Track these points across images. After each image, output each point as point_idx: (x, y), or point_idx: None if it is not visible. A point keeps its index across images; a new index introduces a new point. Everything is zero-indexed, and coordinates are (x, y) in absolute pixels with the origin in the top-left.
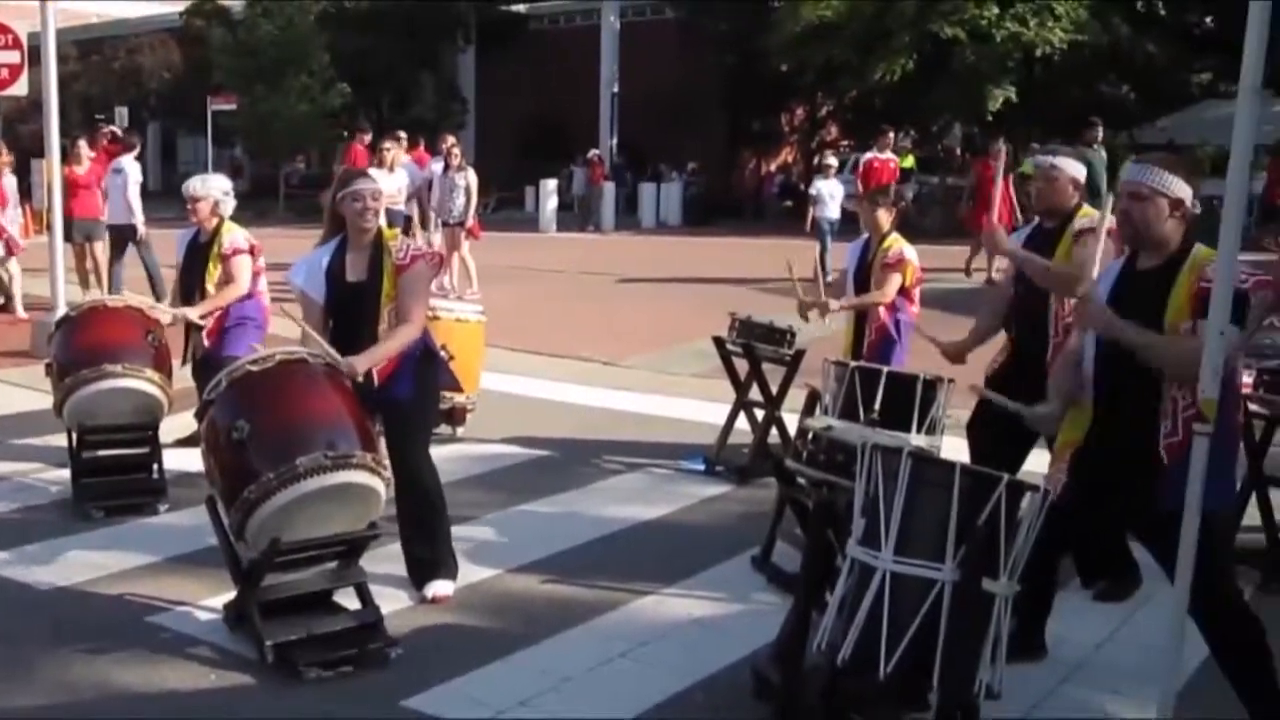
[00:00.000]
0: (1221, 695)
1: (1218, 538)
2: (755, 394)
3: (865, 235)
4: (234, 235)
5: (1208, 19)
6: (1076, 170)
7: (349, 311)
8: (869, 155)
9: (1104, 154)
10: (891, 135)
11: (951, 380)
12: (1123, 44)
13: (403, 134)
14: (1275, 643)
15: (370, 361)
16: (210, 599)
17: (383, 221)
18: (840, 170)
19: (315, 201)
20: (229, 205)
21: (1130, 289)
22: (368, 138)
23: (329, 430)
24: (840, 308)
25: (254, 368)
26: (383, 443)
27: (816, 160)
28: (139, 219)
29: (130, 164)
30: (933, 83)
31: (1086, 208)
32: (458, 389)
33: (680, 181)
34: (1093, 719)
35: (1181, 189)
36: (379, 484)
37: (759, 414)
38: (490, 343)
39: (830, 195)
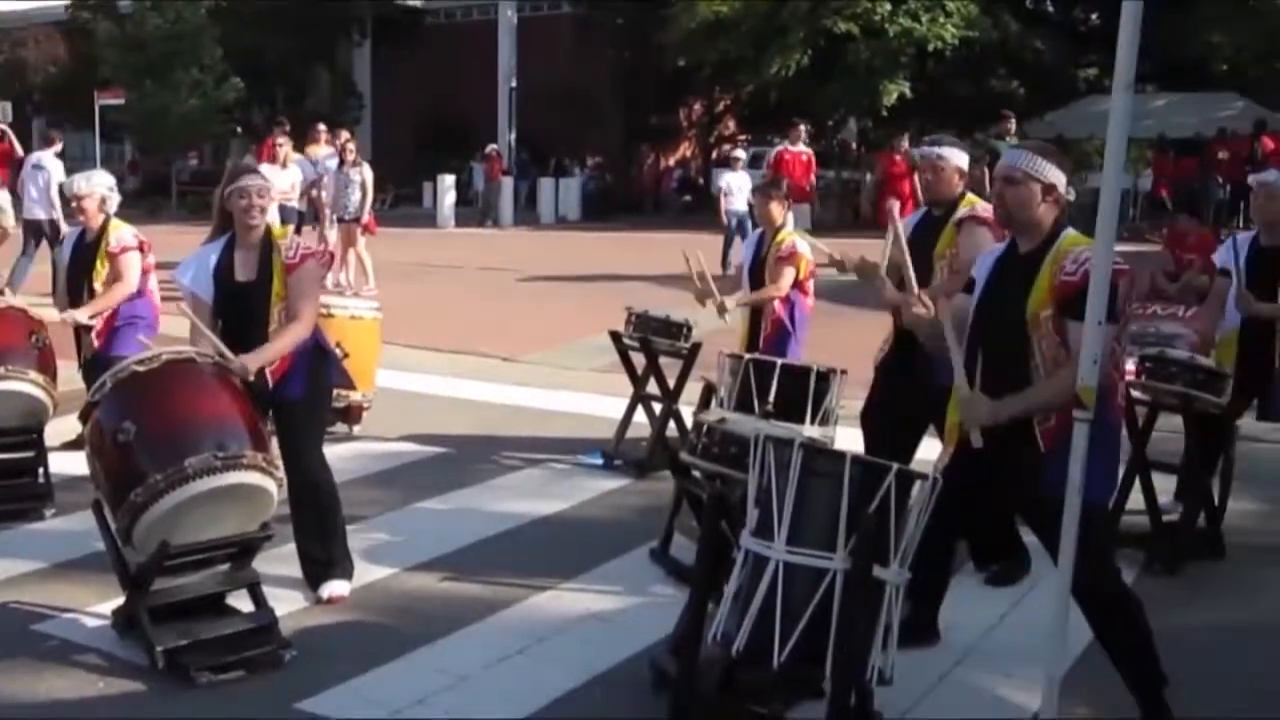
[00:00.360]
0: (1107, 675)
1: (1098, 524)
2: (653, 388)
3: (760, 229)
4: (121, 233)
5: (1093, 16)
6: (961, 160)
7: (238, 311)
8: (780, 148)
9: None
10: (803, 128)
11: (844, 371)
12: (1012, 40)
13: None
14: (1156, 622)
15: (260, 361)
16: (98, 605)
17: (275, 218)
18: (755, 164)
19: (209, 198)
20: (114, 202)
21: (1007, 273)
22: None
23: (218, 430)
24: (737, 304)
25: (140, 368)
26: (275, 442)
27: (716, 154)
28: (59, 215)
29: (51, 161)
30: (827, 78)
31: (971, 196)
32: (351, 387)
33: (580, 176)
34: (982, 702)
35: (1054, 174)
36: (271, 484)
37: (657, 408)
38: (387, 340)
39: (738, 188)
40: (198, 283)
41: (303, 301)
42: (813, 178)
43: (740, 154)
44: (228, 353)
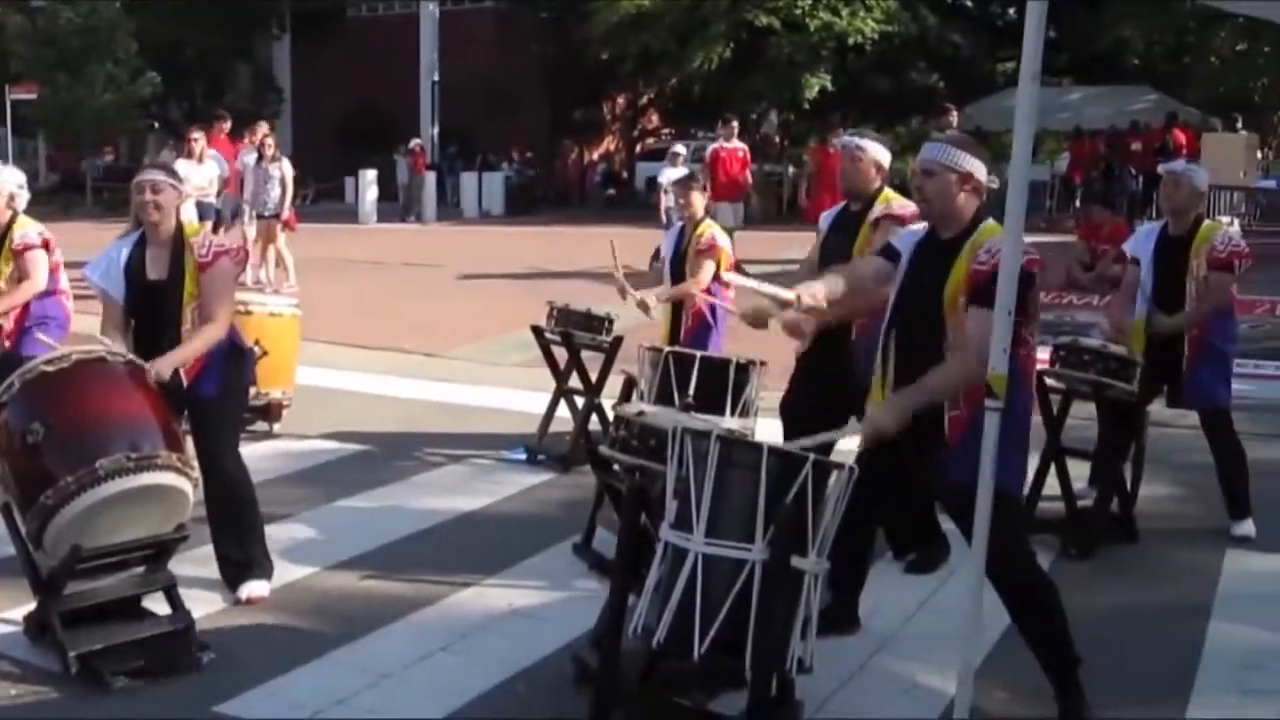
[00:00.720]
0: (1024, 659)
1: (1009, 510)
2: (576, 382)
3: (680, 223)
4: (25, 230)
5: (1010, 10)
6: (880, 154)
7: (150, 310)
8: (715, 145)
9: None
10: (736, 124)
11: (764, 363)
12: (931, 35)
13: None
14: (1071, 605)
15: (172, 364)
16: (10, 611)
17: (192, 215)
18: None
19: (125, 195)
20: (23, 199)
21: (927, 256)
22: (226, 125)
23: (131, 430)
24: (659, 301)
25: (49, 368)
26: (190, 442)
27: (640, 148)
28: None
29: None
30: (749, 71)
31: (889, 192)
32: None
33: (504, 171)
34: (901, 688)
35: (972, 164)
36: (186, 484)
37: (580, 402)
38: (308, 337)
39: None
40: (108, 279)
41: (217, 302)
42: (748, 174)
43: (680, 149)
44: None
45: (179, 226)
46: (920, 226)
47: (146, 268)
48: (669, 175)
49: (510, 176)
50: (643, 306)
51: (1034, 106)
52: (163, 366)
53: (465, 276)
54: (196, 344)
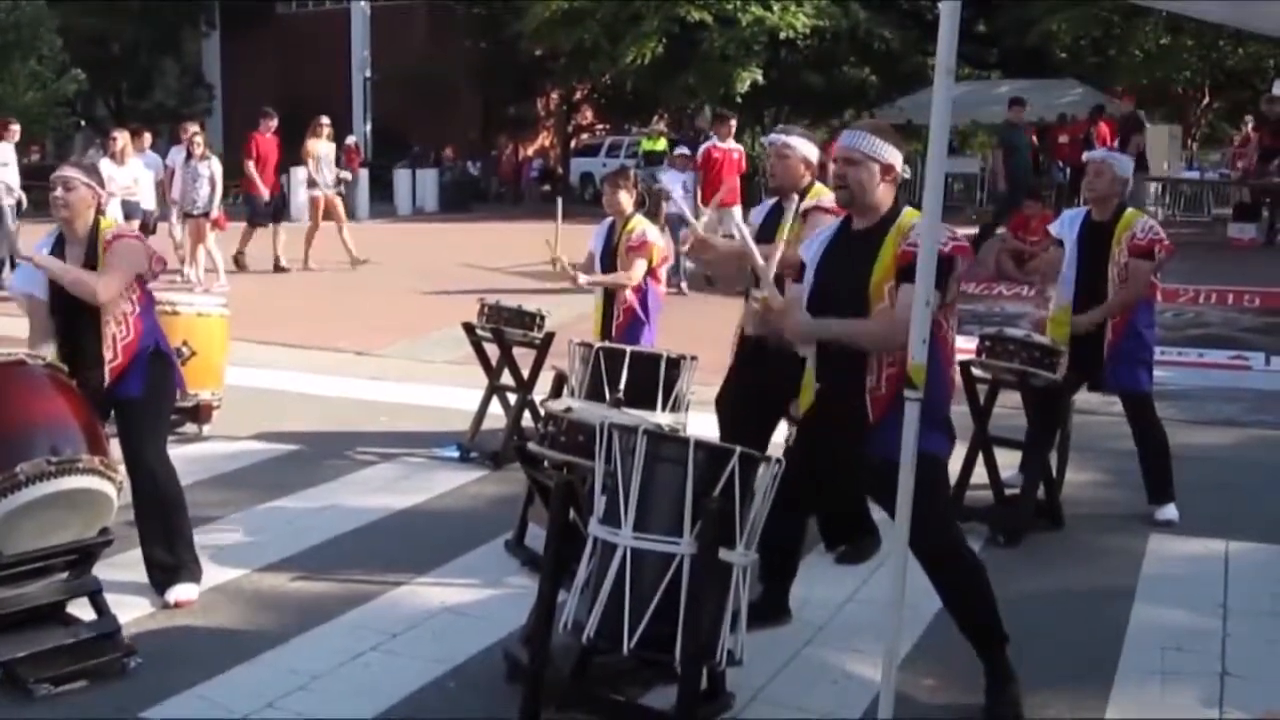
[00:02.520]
0: (955, 646)
1: (932, 481)
2: (508, 379)
3: (610, 218)
4: None
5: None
6: (809, 151)
7: (72, 308)
8: (708, 144)
9: None
10: (733, 123)
11: (694, 358)
12: (861, 29)
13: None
14: (999, 591)
15: (52, 269)
16: None
17: (118, 215)
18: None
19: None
20: None
21: (843, 249)
22: (273, 124)
23: (52, 434)
24: (587, 282)
25: None
26: (116, 445)
27: (575, 143)
28: None
29: None
30: (682, 66)
31: (819, 186)
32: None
33: (438, 167)
34: (832, 677)
35: (891, 154)
36: (110, 488)
37: (512, 399)
38: (238, 336)
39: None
40: (30, 282)
41: (111, 268)
42: (735, 180)
43: (684, 150)
44: None
45: (95, 223)
46: (829, 224)
47: (67, 261)
48: (670, 179)
49: (444, 172)
50: (571, 278)
51: (948, 100)
52: (40, 258)
53: (397, 273)
54: (77, 274)
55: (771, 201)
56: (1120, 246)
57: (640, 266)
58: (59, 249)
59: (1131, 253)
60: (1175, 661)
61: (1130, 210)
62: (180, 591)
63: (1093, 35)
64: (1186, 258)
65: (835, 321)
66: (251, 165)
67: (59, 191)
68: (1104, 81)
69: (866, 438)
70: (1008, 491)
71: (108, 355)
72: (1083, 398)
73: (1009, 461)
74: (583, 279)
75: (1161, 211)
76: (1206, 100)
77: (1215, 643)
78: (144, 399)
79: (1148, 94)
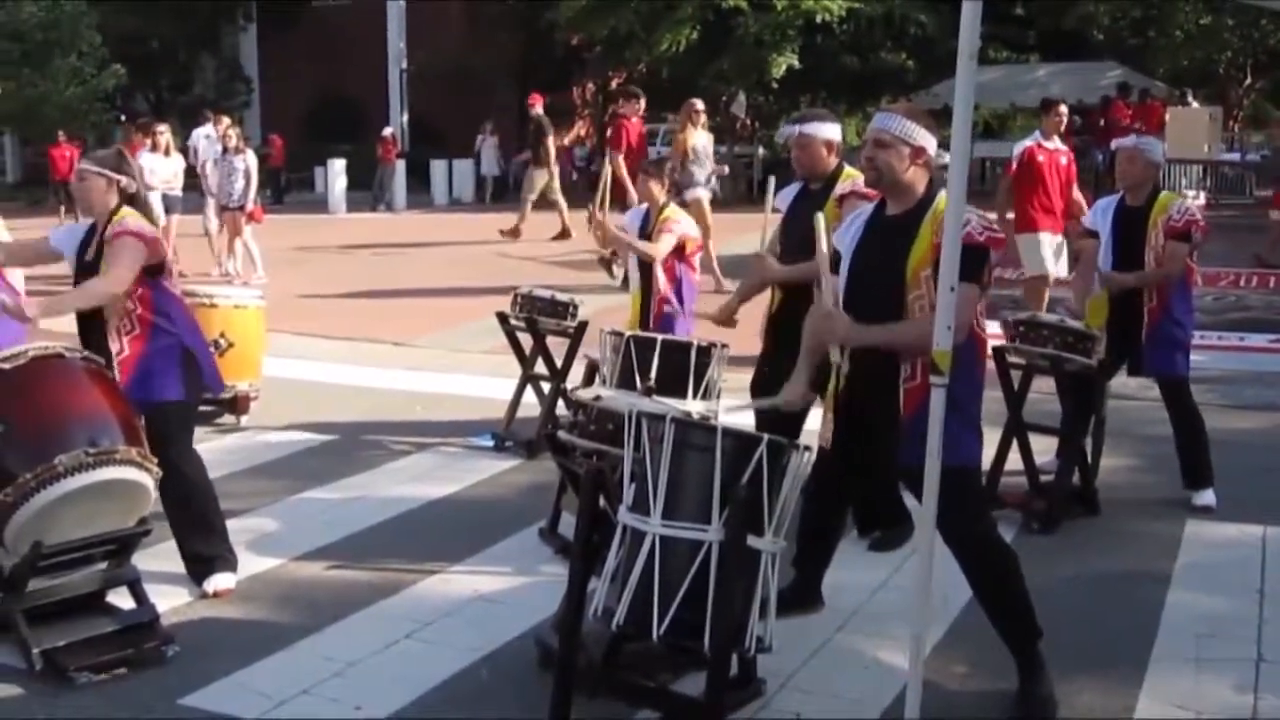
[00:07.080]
0: (984, 635)
1: (966, 483)
2: (542, 368)
3: (645, 205)
4: None
5: None
6: (829, 132)
7: None
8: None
9: None
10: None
11: (725, 345)
12: (897, 13)
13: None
14: (1034, 578)
15: (48, 309)
16: None
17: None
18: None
19: None
20: None
21: (878, 235)
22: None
23: (90, 426)
24: (616, 233)
25: (6, 365)
26: None
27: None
28: None
29: None
30: (717, 53)
31: (849, 169)
32: (220, 390)
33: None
34: (863, 664)
35: (923, 137)
36: (147, 479)
37: (546, 388)
38: (275, 328)
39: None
40: (65, 239)
41: (110, 265)
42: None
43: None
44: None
45: (110, 214)
46: (863, 210)
47: (90, 249)
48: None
49: (498, 163)
50: (601, 224)
51: (971, 85)
52: (30, 307)
53: (434, 264)
54: (76, 296)
55: (798, 186)
56: (1156, 230)
57: (667, 240)
58: (91, 233)
59: (1168, 235)
60: (1210, 648)
61: (1165, 193)
62: (218, 581)
63: (1131, 16)
64: (1226, 241)
65: (879, 329)
66: None
67: (74, 183)
68: (1143, 63)
69: (900, 441)
70: (1042, 478)
71: (114, 348)
72: (1119, 382)
73: (1043, 448)
74: (613, 228)
75: (1204, 194)
76: (1249, 80)
77: (1251, 629)
78: (166, 402)
79: (1188, 75)
